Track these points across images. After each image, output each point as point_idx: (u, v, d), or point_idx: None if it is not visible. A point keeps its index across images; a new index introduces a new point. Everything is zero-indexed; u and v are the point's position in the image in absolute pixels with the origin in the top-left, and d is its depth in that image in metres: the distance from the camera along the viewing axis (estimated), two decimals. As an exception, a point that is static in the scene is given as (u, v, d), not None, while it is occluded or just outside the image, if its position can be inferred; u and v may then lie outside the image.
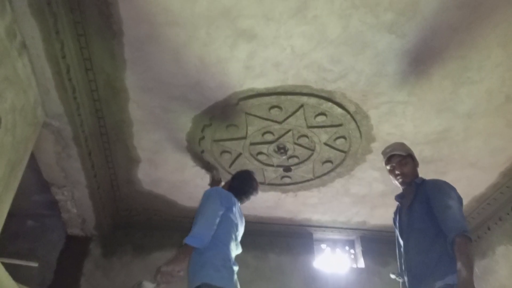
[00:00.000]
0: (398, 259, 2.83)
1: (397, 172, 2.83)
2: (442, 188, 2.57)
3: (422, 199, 2.59)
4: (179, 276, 2.49)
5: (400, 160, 2.84)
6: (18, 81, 2.76)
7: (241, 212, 3.21)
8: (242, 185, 3.25)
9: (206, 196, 2.98)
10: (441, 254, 2.35)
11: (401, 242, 2.73)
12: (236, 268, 2.82)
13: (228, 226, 2.88)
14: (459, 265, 2.16)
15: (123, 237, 5.34)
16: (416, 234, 2.56)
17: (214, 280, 2.54)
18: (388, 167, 2.91)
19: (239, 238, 3.12)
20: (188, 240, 2.57)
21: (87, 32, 2.97)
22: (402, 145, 2.98)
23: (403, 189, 2.87)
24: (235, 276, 2.75)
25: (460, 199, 2.53)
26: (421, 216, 2.55)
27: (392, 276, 2.77)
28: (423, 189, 2.63)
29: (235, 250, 2.97)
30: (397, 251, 2.84)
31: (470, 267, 2.13)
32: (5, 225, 3.04)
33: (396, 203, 2.96)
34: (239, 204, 3.24)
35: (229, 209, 2.94)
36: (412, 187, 2.74)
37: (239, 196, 3.20)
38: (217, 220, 2.77)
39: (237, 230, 3.03)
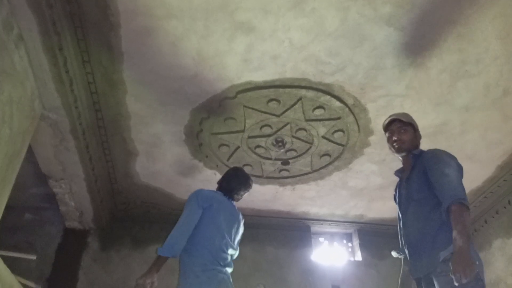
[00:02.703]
0: (399, 236, 2.73)
1: (394, 138, 2.67)
2: (439, 157, 2.44)
3: (420, 170, 2.47)
4: (154, 287, 2.62)
5: (400, 126, 2.67)
6: (15, 74, 2.75)
7: (235, 210, 3.14)
8: (229, 182, 3.19)
9: (187, 200, 2.97)
10: (440, 224, 2.25)
11: (400, 216, 2.64)
12: (224, 269, 2.82)
13: (210, 227, 2.85)
14: (454, 233, 2.09)
15: (121, 230, 5.35)
16: (414, 205, 2.46)
17: (192, 287, 2.65)
18: (387, 134, 2.75)
19: (234, 237, 3.06)
20: (159, 251, 2.67)
21: (84, 24, 2.96)
22: (405, 114, 2.80)
23: (402, 162, 2.73)
24: (221, 277, 2.76)
25: (459, 168, 2.40)
26: (419, 187, 2.44)
27: (394, 253, 2.68)
28: (421, 160, 2.51)
29: (226, 249, 2.91)
30: (398, 227, 2.74)
31: (466, 236, 2.06)
32: (3, 218, 3.04)
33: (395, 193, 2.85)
34: (234, 202, 3.20)
35: (209, 208, 2.90)
36: (410, 159, 2.61)
37: (229, 194, 3.15)
38: (192, 225, 2.80)
39: (227, 229, 2.97)
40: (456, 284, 1.98)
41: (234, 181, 3.19)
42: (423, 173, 2.43)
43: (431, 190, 2.36)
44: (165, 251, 2.67)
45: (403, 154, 2.67)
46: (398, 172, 2.77)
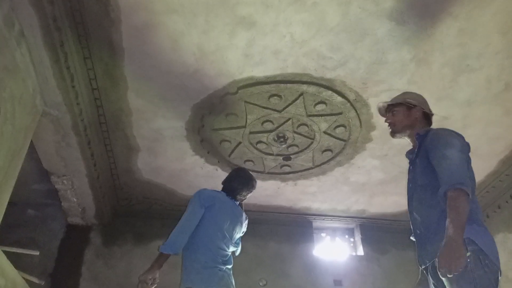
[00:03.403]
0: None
1: (388, 121, 2.58)
2: (441, 137, 2.25)
3: (423, 152, 2.30)
4: (155, 283, 2.71)
5: (389, 109, 2.58)
6: (17, 70, 2.75)
7: (238, 210, 3.18)
8: (231, 183, 3.24)
9: (190, 199, 3.04)
10: (442, 210, 2.08)
11: (407, 202, 2.47)
12: (224, 267, 2.89)
13: (211, 226, 2.92)
14: (447, 222, 1.93)
15: (123, 226, 5.36)
16: (418, 191, 2.31)
17: (195, 283, 2.73)
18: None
19: (235, 235, 3.12)
20: (161, 248, 2.76)
21: (85, 20, 2.96)
22: (401, 94, 2.66)
23: (412, 144, 2.56)
24: (220, 274, 2.83)
25: (464, 148, 2.22)
26: (422, 171, 2.28)
27: (412, 238, 2.55)
28: (425, 142, 2.33)
29: (227, 248, 2.99)
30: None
31: (458, 225, 1.88)
32: (6, 214, 3.05)
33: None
34: (237, 202, 3.23)
35: (211, 208, 2.96)
36: (416, 140, 2.43)
37: (231, 194, 3.19)
38: (193, 224, 2.87)
39: (228, 228, 3.02)
40: (442, 278, 1.90)
41: (236, 182, 3.23)
42: (426, 156, 2.27)
43: (433, 174, 2.19)
44: (167, 248, 2.75)
45: (399, 136, 2.55)
46: (408, 154, 2.56)
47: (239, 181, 3.24)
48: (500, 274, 1.99)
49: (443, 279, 1.95)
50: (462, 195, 1.99)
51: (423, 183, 2.27)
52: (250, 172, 3.40)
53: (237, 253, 3.20)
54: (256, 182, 3.34)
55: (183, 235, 2.82)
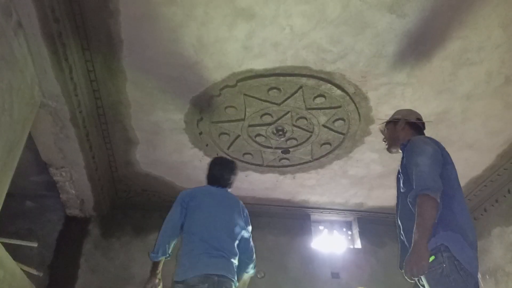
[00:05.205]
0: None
1: (383, 140, 2.84)
2: (413, 146, 2.35)
3: (403, 161, 2.42)
4: None
5: (383, 131, 2.83)
6: (14, 61, 2.73)
7: (226, 194, 3.11)
8: (210, 171, 3.23)
9: None
10: None
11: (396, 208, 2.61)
12: (220, 253, 2.79)
13: (199, 215, 2.92)
14: (414, 227, 2.03)
15: (122, 218, 5.38)
16: (402, 199, 2.39)
17: (177, 276, 2.75)
18: None
19: (232, 219, 2.99)
20: (151, 257, 2.87)
21: (83, 11, 2.93)
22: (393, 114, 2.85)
23: None
24: (206, 259, 2.73)
25: (435, 153, 2.28)
26: (405, 179, 2.37)
27: None
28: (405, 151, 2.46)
29: (223, 233, 2.90)
30: None
31: (423, 230, 1.98)
32: (4, 206, 3.05)
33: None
34: (228, 189, 3.18)
35: (193, 201, 2.97)
36: (401, 150, 2.57)
37: (216, 183, 3.15)
38: (174, 225, 2.92)
39: (218, 213, 2.96)
40: (410, 281, 2.00)
41: (214, 169, 3.20)
42: (405, 165, 2.39)
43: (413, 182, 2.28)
44: (154, 256, 2.85)
45: (393, 150, 2.74)
46: None
47: (217, 168, 3.22)
48: (479, 280, 2.05)
49: (423, 282, 2.04)
50: (427, 200, 2.08)
51: (404, 191, 2.38)
52: (228, 158, 3.42)
53: (246, 235, 3.06)
54: (235, 164, 3.28)
55: (166, 239, 2.88)
